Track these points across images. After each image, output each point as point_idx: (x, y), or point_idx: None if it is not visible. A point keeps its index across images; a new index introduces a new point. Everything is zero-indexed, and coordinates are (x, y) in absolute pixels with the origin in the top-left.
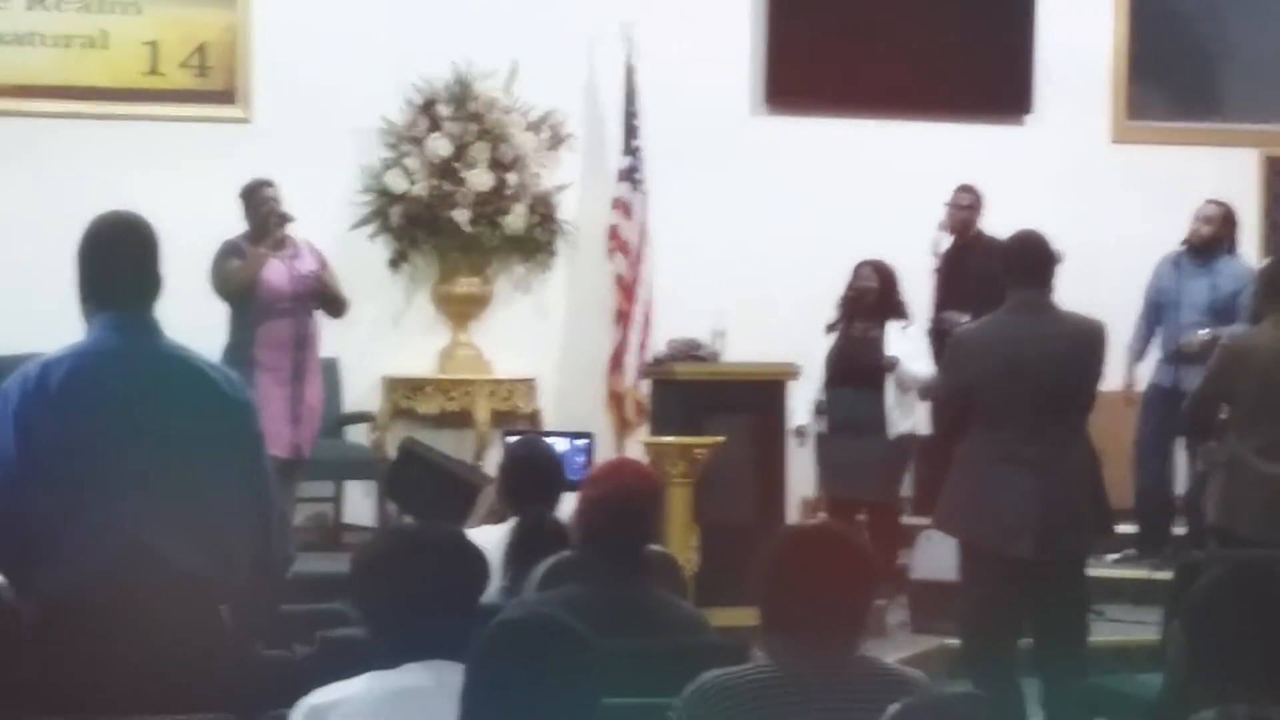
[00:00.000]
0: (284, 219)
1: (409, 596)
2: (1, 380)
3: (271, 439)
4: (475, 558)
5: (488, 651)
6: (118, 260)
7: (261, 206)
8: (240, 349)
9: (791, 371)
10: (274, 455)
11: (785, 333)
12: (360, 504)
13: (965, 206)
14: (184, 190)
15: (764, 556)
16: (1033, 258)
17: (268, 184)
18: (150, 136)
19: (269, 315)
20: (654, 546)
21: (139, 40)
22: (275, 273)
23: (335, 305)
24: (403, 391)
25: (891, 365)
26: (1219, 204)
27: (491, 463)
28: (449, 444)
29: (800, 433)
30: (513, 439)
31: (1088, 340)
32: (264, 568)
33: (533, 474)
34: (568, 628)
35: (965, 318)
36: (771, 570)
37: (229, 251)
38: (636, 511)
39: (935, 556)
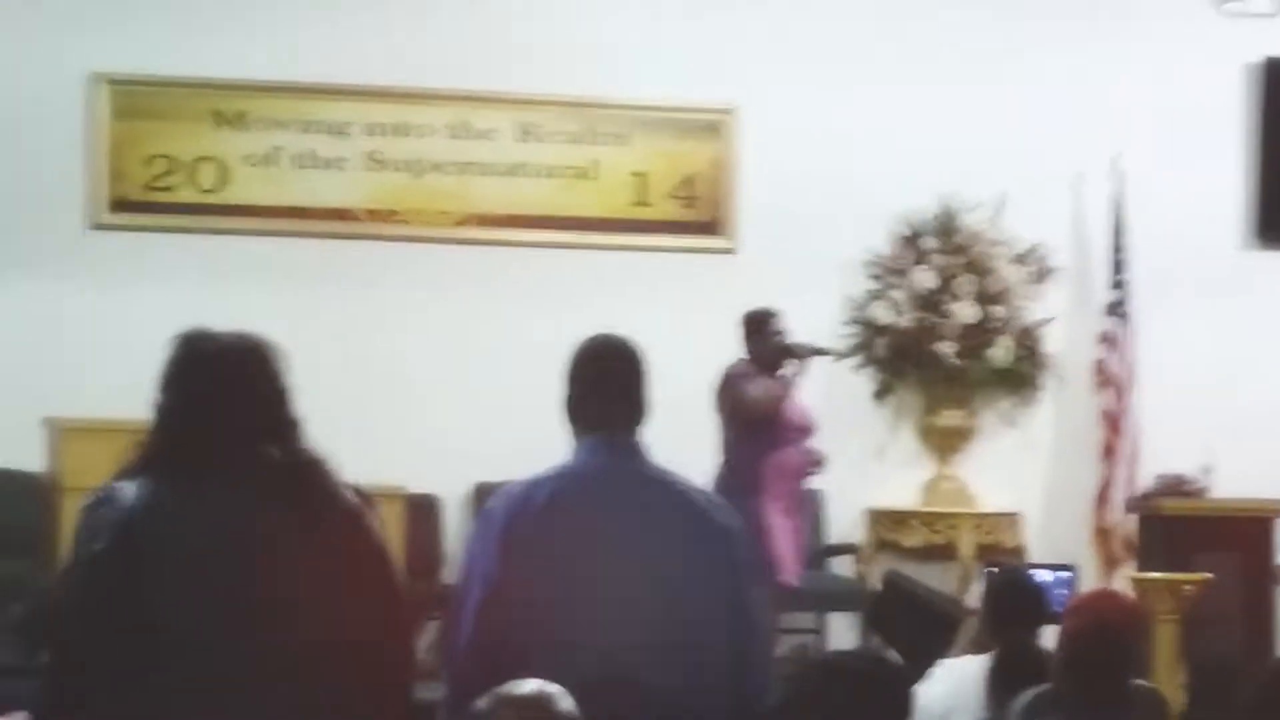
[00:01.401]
0: (796, 351)
1: None
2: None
3: (782, 566)
4: (896, 690)
5: None
6: (605, 383)
7: (773, 336)
8: (744, 475)
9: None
10: (784, 582)
11: (1275, 468)
12: (843, 636)
13: None
14: (669, 319)
15: (1250, 689)
16: None
17: (775, 314)
18: (637, 266)
19: (780, 444)
20: (1139, 681)
21: (627, 171)
22: (788, 402)
23: None
24: (886, 524)
25: None
26: None
27: (974, 596)
28: (932, 577)
29: None
30: (994, 570)
31: None
32: (743, 698)
33: (1015, 603)
34: None
35: None
36: (1258, 703)
37: (745, 375)
38: (1118, 643)
39: None
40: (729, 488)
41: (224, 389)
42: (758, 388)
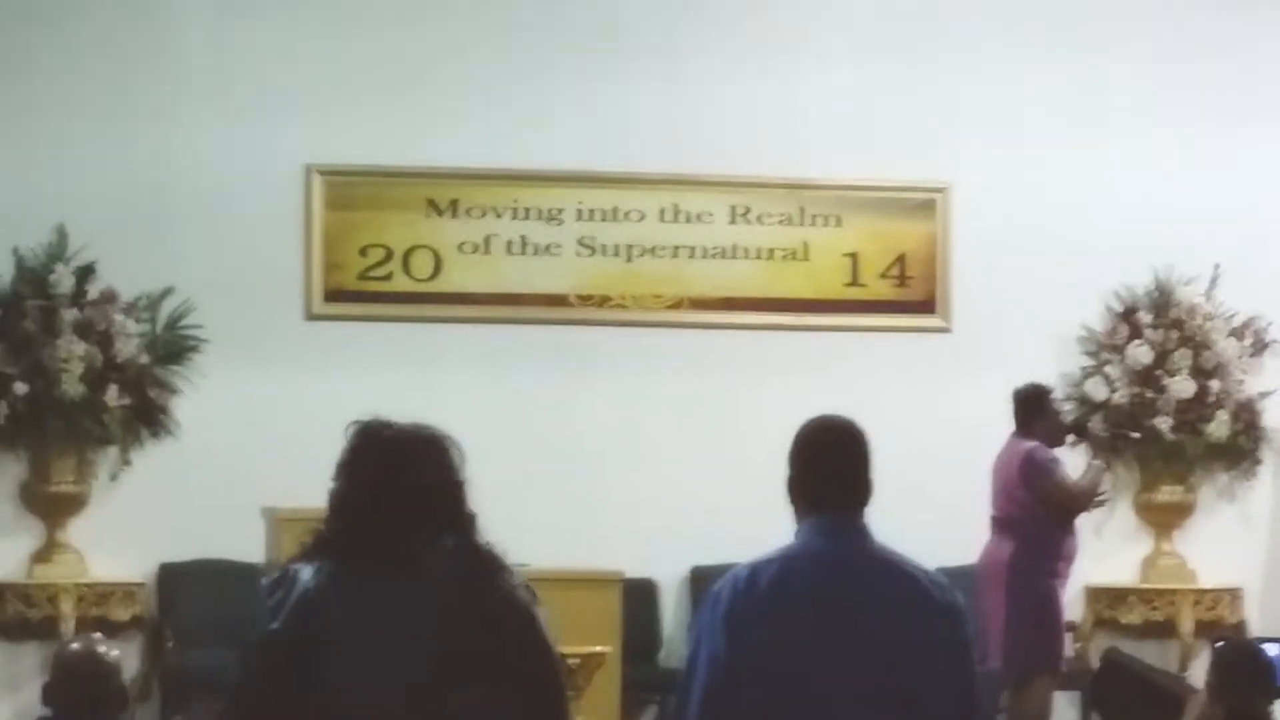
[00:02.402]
0: (1079, 429)
1: None
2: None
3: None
4: None
5: None
6: (828, 464)
7: (1057, 415)
8: (1047, 557)
9: None
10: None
11: None
12: (1066, 714)
13: None
14: (884, 399)
15: None
16: None
17: (1051, 390)
18: (850, 347)
19: (1071, 530)
20: None
21: (840, 251)
22: None
23: None
24: (1106, 601)
25: None
26: None
27: (1197, 673)
28: (1152, 654)
29: None
30: (1222, 643)
31: None
32: None
33: (1245, 675)
34: None
35: None
36: None
37: (1055, 460)
38: None
39: None
40: (1028, 568)
41: (396, 477)
42: (1084, 476)
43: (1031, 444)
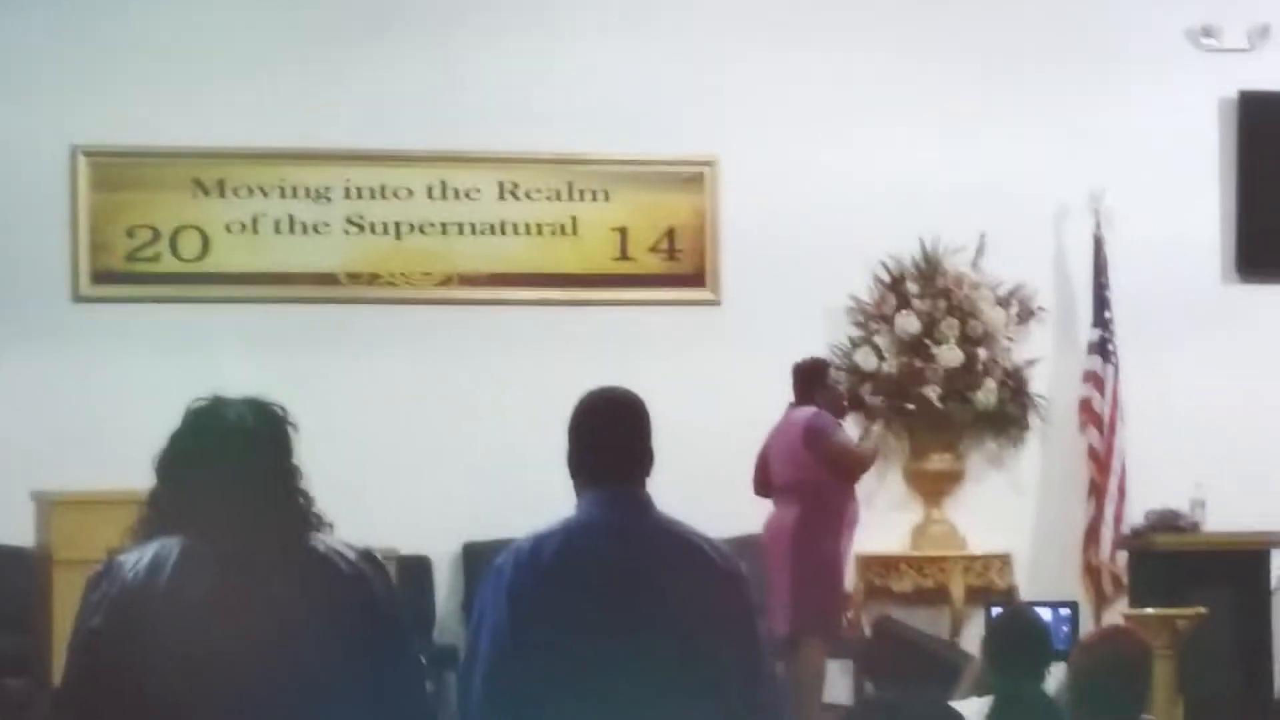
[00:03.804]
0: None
1: None
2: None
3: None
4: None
5: None
6: (607, 436)
7: (837, 387)
8: (832, 520)
9: (1275, 540)
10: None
11: (1267, 502)
12: (837, 683)
13: None
14: (655, 372)
15: None
16: None
17: (831, 363)
18: (621, 321)
19: (853, 495)
20: (1146, 717)
21: (608, 226)
22: None
23: None
24: (877, 569)
25: None
26: None
27: (968, 639)
28: (924, 621)
29: None
30: (998, 610)
31: None
32: None
33: (1021, 642)
34: None
35: None
36: None
37: (838, 425)
38: (1131, 679)
39: None
40: (813, 532)
41: (229, 458)
42: (864, 439)
43: (810, 410)
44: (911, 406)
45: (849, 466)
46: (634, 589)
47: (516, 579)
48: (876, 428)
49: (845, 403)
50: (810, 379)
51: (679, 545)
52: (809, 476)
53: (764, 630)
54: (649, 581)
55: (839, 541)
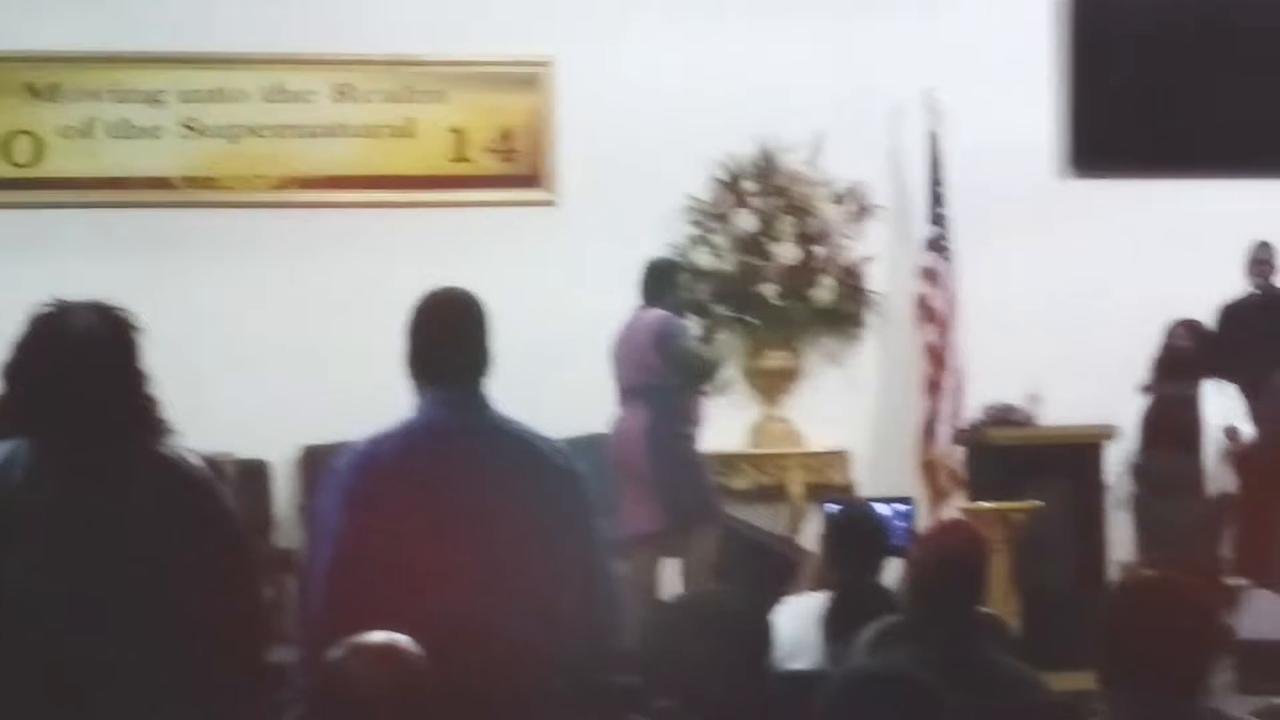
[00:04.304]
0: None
1: (694, 666)
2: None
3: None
4: (756, 626)
5: (839, 707)
6: (445, 336)
7: (682, 288)
8: (687, 419)
9: (1108, 433)
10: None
11: (1100, 395)
12: (675, 581)
13: (1262, 261)
14: (493, 273)
15: (1103, 609)
16: None
17: (680, 263)
18: (458, 222)
19: (700, 394)
20: (982, 609)
21: (445, 127)
22: None
23: None
24: (716, 467)
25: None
26: None
27: (806, 536)
28: (763, 518)
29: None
30: (834, 506)
31: None
32: (596, 637)
33: (856, 539)
34: (925, 683)
35: None
36: (1109, 622)
37: (687, 328)
38: (967, 572)
39: (1263, 616)
40: (665, 432)
41: (76, 363)
42: (713, 344)
43: (662, 313)
44: (751, 319)
45: (695, 372)
46: (471, 488)
47: (354, 481)
48: (723, 334)
49: (694, 305)
50: (660, 278)
51: (515, 444)
52: (658, 379)
53: (600, 527)
54: (486, 481)
55: (692, 440)
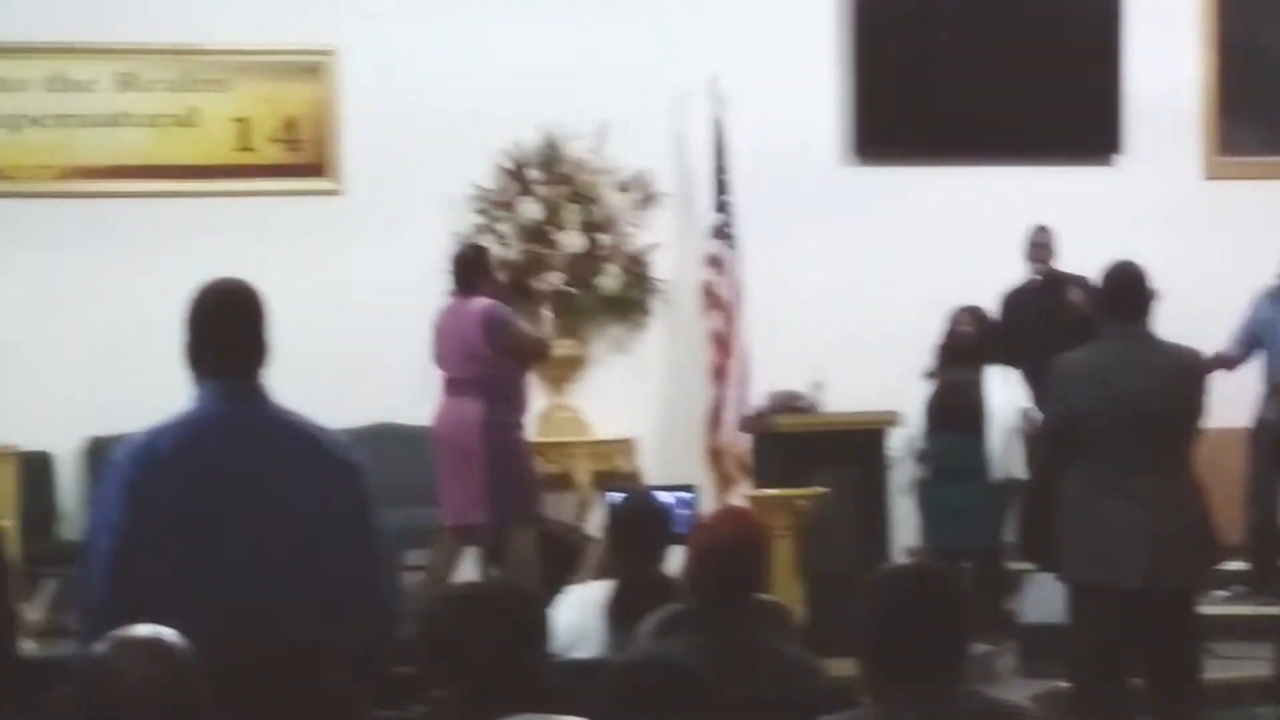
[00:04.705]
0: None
1: (469, 657)
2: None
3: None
4: (531, 617)
5: (615, 697)
6: (223, 328)
7: (497, 271)
8: (517, 408)
9: (891, 419)
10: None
11: (884, 381)
12: (465, 569)
13: (1041, 245)
14: (278, 263)
15: (861, 598)
16: (1131, 289)
17: (489, 250)
18: (243, 212)
19: (528, 382)
20: (763, 596)
21: (228, 117)
22: None
23: None
24: None
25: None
26: None
27: (593, 524)
28: (550, 506)
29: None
30: (616, 495)
31: (1186, 368)
32: (376, 628)
33: (639, 527)
34: (691, 672)
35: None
36: (868, 610)
37: (514, 313)
38: (746, 559)
39: (1043, 599)
40: (501, 423)
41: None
42: (539, 326)
43: (486, 301)
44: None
45: (531, 354)
46: (249, 480)
47: (134, 473)
48: (545, 311)
49: (512, 289)
50: (471, 267)
51: (294, 436)
52: (491, 370)
53: (380, 519)
54: (266, 473)
55: (523, 430)
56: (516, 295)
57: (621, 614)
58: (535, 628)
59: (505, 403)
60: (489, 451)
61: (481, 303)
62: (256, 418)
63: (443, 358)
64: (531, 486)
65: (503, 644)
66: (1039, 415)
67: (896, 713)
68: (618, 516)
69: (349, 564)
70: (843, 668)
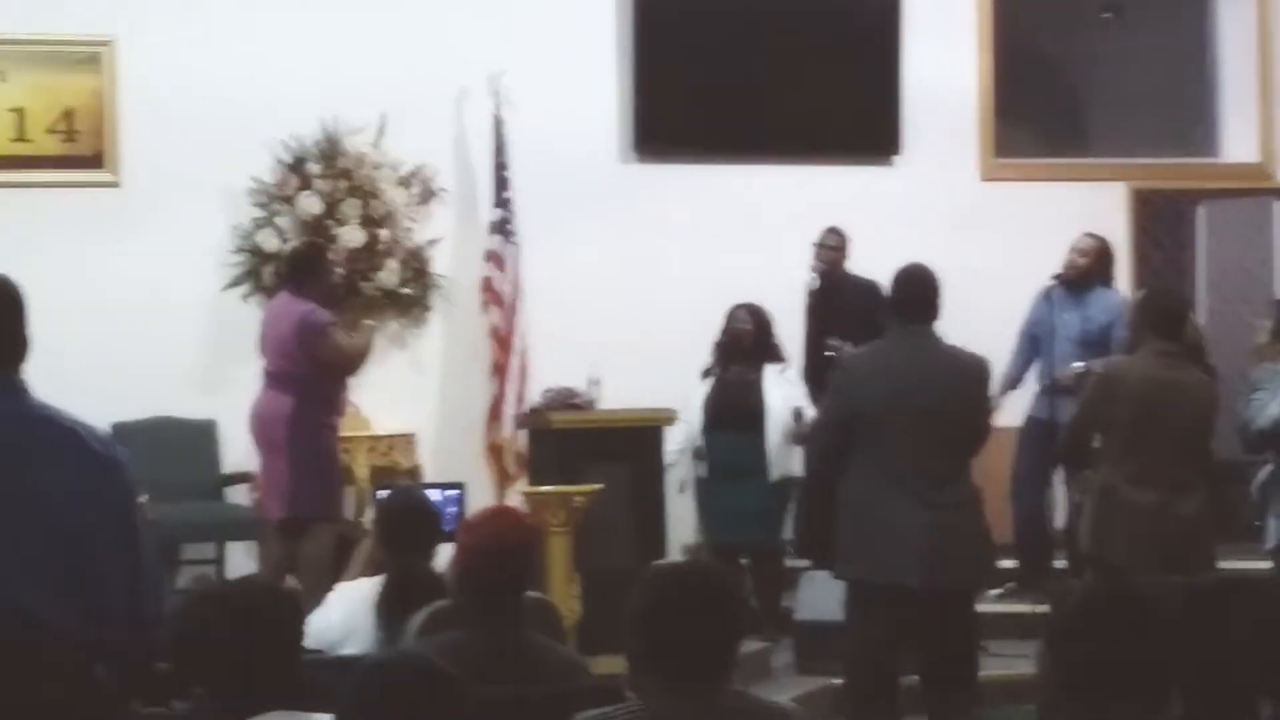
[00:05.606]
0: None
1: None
2: None
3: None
4: (285, 618)
5: (358, 696)
6: None
7: (331, 274)
8: (324, 413)
9: (668, 417)
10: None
11: (661, 378)
12: (243, 565)
13: (832, 248)
14: (55, 255)
15: (630, 595)
16: (919, 290)
17: (327, 248)
18: (19, 203)
19: (344, 384)
20: (532, 593)
21: (4, 107)
22: None
23: None
24: None
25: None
26: (1095, 237)
27: (370, 519)
28: None
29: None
30: (385, 491)
31: (969, 372)
32: (138, 625)
33: (406, 524)
34: (439, 670)
35: (848, 345)
36: (636, 607)
37: (333, 323)
38: (512, 557)
39: (819, 597)
40: (309, 421)
41: None
42: (358, 336)
43: (307, 306)
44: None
45: (341, 367)
46: (7, 475)
47: None
48: (370, 322)
49: (342, 291)
50: (303, 265)
51: (56, 432)
52: (303, 369)
53: (143, 514)
54: (27, 467)
55: (335, 430)
56: (346, 300)
57: (391, 610)
58: (285, 625)
59: (321, 401)
60: (293, 446)
61: (301, 308)
62: (17, 411)
63: (263, 349)
64: (334, 486)
65: (250, 642)
66: (811, 415)
67: (661, 710)
68: (386, 513)
69: (110, 560)
70: (618, 664)
